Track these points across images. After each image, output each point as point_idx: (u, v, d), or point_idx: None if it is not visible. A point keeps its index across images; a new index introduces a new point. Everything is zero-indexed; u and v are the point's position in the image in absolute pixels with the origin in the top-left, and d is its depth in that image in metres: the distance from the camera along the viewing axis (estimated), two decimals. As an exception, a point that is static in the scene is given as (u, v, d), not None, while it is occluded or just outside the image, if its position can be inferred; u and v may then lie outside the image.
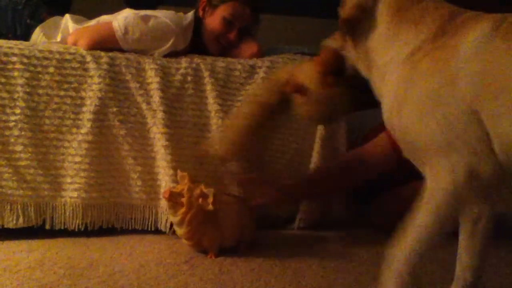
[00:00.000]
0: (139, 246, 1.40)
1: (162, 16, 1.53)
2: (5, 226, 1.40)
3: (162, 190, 1.46)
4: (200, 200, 1.28)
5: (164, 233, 1.49)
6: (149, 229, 1.51)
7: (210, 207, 1.27)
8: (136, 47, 1.51)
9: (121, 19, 1.49)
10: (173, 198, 1.28)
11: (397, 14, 0.94)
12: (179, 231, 1.32)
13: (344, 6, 1.03)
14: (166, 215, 1.47)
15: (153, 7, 2.19)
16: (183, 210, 1.27)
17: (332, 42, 1.11)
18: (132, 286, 1.10)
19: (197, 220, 1.28)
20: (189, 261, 1.29)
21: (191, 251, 1.35)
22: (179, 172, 1.36)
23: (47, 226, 1.43)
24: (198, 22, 1.66)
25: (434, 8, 0.92)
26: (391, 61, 0.93)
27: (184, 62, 1.56)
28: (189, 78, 1.54)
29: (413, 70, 0.88)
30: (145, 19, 1.50)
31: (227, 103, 1.56)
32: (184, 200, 1.27)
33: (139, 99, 1.49)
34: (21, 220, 1.40)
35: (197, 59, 1.58)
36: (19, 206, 1.41)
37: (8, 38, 1.58)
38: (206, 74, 1.55)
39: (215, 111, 1.54)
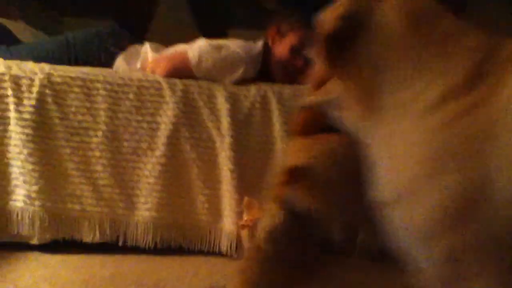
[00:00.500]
0: (205, 267, 1.45)
1: (234, 45, 1.60)
2: (83, 241, 1.50)
3: (226, 214, 1.51)
4: None
5: (227, 256, 1.53)
6: (214, 252, 1.55)
7: None
8: (208, 75, 1.59)
9: (195, 49, 1.58)
10: (255, 227, 1.29)
11: (414, 29, 0.64)
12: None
13: (323, 19, 0.75)
14: (230, 239, 1.51)
15: (224, 32, 2.30)
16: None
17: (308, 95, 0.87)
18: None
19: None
20: (252, 286, 1.32)
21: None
22: (247, 199, 1.39)
23: (120, 243, 1.52)
24: (266, 50, 1.71)
25: (460, 32, 0.63)
26: (404, 104, 0.62)
27: (253, 89, 1.61)
28: (257, 105, 1.59)
29: (450, 130, 0.56)
30: (218, 48, 1.58)
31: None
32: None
33: (210, 124, 1.56)
34: (97, 235, 1.51)
35: (265, 86, 1.63)
36: (96, 222, 1.51)
37: (93, 65, 1.71)
38: (273, 101, 1.59)
39: (281, 137, 1.57)
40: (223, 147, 1.54)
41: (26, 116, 1.48)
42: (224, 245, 1.54)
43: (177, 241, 1.55)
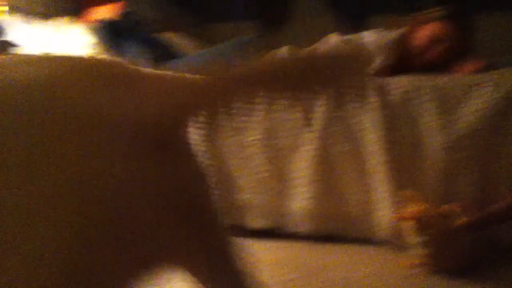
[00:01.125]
0: (365, 256, 1.51)
1: (366, 37, 1.61)
2: (250, 228, 1.67)
3: (382, 204, 1.54)
4: (448, 219, 1.32)
5: (385, 245, 1.56)
6: (371, 241, 1.59)
7: (456, 226, 1.30)
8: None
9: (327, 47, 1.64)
10: (422, 219, 1.33)
11: None
12: (420, 251, 1.35)
13: None
14: (385, 230, 1.54)
15: (362, 21, 2.26)
16: (430, 231, 1.31)
17: None
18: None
19: (441, 241, 1.32)
20: (409, 278, 1.34)
21: (413, 267, 1.39)
22: (407, 190, 1.41)
23: (284, 230, 1.66)
24: (404, 38, 1.69)
25: None
26: None
27: (403, 79, 1.61)
28: (408, 96, 1.58)
29: None
30: (349, 42, 1.61)
31: (449, 120, 1.54)
32: (430, 220, 1.31)
33: (360, 117, 1.60)
34: (263, 223, 1.67)
35: (417, 77, 1.61)
36: (262, 211, 1.68)
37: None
38: (425, 91, 1.57)
39: (435, 129, 1.54)
40: (374, 139, 1.57)
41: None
42: (383, 235, 1.57)
43: (339, 230, 1.63)
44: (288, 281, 1.29)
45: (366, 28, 1.84)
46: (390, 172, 1.54)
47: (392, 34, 1.70)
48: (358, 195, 1.61)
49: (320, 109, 1.62)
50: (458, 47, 1.69)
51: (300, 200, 1.64)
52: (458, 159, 1.51)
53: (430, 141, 1.55)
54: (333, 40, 1.68)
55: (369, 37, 1.66)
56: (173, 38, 2.31)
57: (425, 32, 1.67)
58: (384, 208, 1.55)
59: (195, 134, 1.59)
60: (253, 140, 1.68)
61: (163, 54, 2.04)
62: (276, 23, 2.58)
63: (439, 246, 1.31)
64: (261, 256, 1.47)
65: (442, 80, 1.58)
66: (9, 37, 1.77)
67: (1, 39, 1.73)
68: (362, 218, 1.61)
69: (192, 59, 2.05)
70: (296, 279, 1.31)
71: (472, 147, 1.50)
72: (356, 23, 2.16)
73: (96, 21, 2.05)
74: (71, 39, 1.99)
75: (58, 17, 2.12)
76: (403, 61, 1.72)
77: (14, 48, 1.80)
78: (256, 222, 1.68)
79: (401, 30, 1.73)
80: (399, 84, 1.60)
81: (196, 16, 2.68)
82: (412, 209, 1.34)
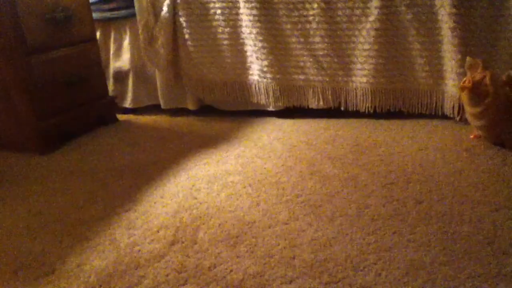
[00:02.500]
0: (423, 130, 1.45)
1: None
2: (309, 107, 1.67)
3: (447, 75, 1.43)
4: (506, 89, 1.20)
5: (449, 118, 1.48)
6: (435, 114, 1.52)
7: None
8: None
9: None
10: (476, 89, 1.21)
11: None
12: (478, 122, 1.26)
13: None
14: (452, 101, 1.44)
15: None
16: (488, 100, 1.20)
17: None
18: (406, 167, 1.19)
19: (500, 110, 1.20)
20: (471, 150, 1.27)
21: (474, 140, 1.31)
22: (469, 59, 1.28)
23: (342, 108, 1.63)
24: None
25: None
26: None
27: None
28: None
29: None
30: None
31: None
32: (489, 89, 1.19)
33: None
34: (321, 102, 1.65)
35: None
36: (319, 90, 1.64)
37: None
38: None
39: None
40: (442, 4, 1.40)
41: (252, -2, 1.64)
42: (447, 108, 1.48)
43: (396, 106, 1.57)
44: (339, 157, 1.30)
45: None
46: (460, 39, 1.39)
47: None
48: (426, 67, 1.49)
49: (381, -26, 1.47)
50: None
51: (362, 76, 1.57)
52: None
53: (507, 5, 1.34)
54: None
55: None
56: None
57: None
58: (452, 79, 1.43)
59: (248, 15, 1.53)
60: (312, 14, 1.59)
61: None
62: None
63: (495, 117, 1.20)
64: (319, 134, 1.50)
65: None
66: None
67: None
68: (431, 91, 1.51)
69: None
70: (346, 155, 1.31)
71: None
72: None
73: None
74: None
75: None
76: None
77: None
78: (315, 101, 1.66)
79: None
80: None
81: None
82: (468, 78, 1.22)
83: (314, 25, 1.59)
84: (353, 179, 1.15)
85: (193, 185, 1.20)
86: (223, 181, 1.21)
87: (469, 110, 1.27)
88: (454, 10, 1.38)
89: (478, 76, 1.22)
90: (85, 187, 1.26)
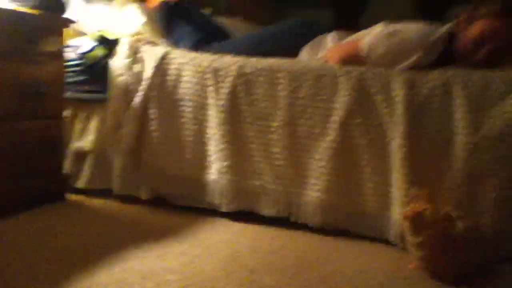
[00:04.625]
0: (366, 252, 1.47)
1: (412, 31, 1.54)
2: (261, 213, 1.69)
3: (394, 202, 1.49)
4: (446, 223, 1.25)
5: (391, 244, 1.51)
6: (379, 238, 1.55)
7: (457, 231, 1.23)
8: (380, 62, 1.57)
9: (367, 38, 1.59)
10: (417, 219, 1.26)
11: None
12: (416, 253, 1.29)
13: None
14: (396, 228, 1.48)
15: (444, 11, 2.14)
16: (427, 232, 1.24)
17: None
18: (344, 288, 1.19)
19: (439, 244, 1.24)
20: (408, 279, 1.28)
21: (413, 270, 1.33)
22: (414, 189, 1.35)
23: (292, 219, 1.65)
24: (452, 35, 1.58)
25: None
26: None
27: (435, 74, 1.52)
28: (436, 91, 1.50)
29: None
30: (392, 35, 1.54)
31: (478, 120, 1.44)
32: (428, 221, 1.24)
33: (383, 111, 1.53)
34: (272, 210, 1.67)
35: (449, 72, 1.51)
36: (272, 198, 1.67)
37: (282, 56, 1.84)
38: (456, 87, 1.48)
39: (462, 127, 1.45)
40: (395, 135, 1.51)
41: (221, 102, 1.72)
42: (391, 234, 1.51)
43: (343, 225, 1.60)
44: (281, 269, 1.29)
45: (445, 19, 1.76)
46: (409, 170, 1.47)
47: (440, 30, 1.59)
48: (374, 191, 1.55)
49: (342, 99, 1.58)
50: (509, 46, 1.55)
51: (314, 191, 1.61)
52: (482, 162, 1.41)
53: (455, 139, 1.46)
54: (379, 30, 1.62)
55: (414, 31, 1.57)
56: (234, 22, 2.34)
57: (475, 30, 1.54)
58: (398, 207, 1.49)
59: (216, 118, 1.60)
60: (275, 126, 1.67)
61: (214, 35, 2.07)
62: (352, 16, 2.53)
63: (434, 250, 1.23)
64: (265, 243, 1.49)
65: (476, 76, 1.47)
66: (68, 14, 1.89)
67: (63, 16, 1.86)
68: (377, 215, 1.56)
69: (240, 41, 2.06)
70: (288, 268, 1.30)
71: (497, 150, 1.40)
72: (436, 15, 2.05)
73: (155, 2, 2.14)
74: (127, 18, 2.09)
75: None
76: (448, 56, 1.61)
77: (73, 25, 1.93)
78: (268, 209, 1.68)
79: (449, 26, 1.62)
80: (429, 78, 1.52)
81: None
82: (413, 208, 1.28)
83: (275, 136, 1.66)
84: (290, 294, 1.13)
85: (125, 279, 1.15)
86: (159, 278, 1.17)
87: (410, 239, 1.31)
88: (405, 142, 1.48)
89: (420, 207, 1.27)
90: (9, 267, 1.19)
